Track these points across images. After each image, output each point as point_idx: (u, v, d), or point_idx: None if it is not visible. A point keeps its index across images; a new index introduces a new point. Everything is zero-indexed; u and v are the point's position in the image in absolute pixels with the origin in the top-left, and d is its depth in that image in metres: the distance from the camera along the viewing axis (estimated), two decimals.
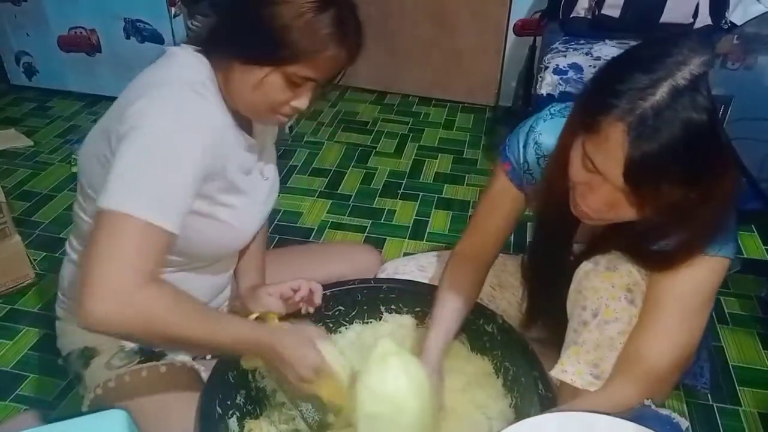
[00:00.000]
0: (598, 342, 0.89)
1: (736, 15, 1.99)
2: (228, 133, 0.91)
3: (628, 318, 0.88)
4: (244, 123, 0.97)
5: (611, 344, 0.88)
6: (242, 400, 1.03)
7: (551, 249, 1.02)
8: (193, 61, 0.89)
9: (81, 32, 2.62)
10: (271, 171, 1.09)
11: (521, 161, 1.01)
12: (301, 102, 0.89)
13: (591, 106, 0.76)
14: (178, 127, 0.80)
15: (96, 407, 0.94)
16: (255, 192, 1.02)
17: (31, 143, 2.39)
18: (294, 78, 0.85)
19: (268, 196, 1.08)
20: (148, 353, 1.00)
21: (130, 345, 1.00)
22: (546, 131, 0.98)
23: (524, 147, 1.01)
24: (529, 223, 2.04)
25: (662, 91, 0.69)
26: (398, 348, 0.94)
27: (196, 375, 1.04)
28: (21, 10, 2.63)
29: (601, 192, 0.78)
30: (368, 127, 2.69)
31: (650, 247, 0.86)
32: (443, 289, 1.09)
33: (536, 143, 0.99)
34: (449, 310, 1.06)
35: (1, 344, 1.51)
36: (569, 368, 0.91)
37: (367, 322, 1.21)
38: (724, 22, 1.97)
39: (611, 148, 0.72)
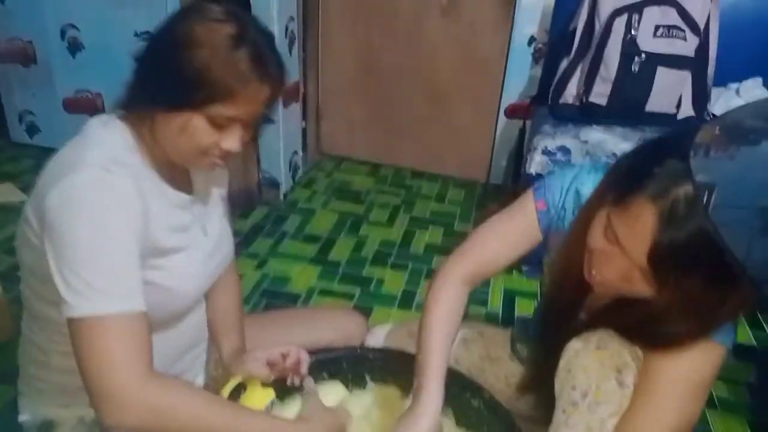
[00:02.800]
0: (589, 424, 0.87)
1: (718, 107, 2.10)
2: (149, 196, 0.86)
3: (619, 400, 0.87)
4: (179, 179, 0.96)
5: (601, 427, 0.87)
6: None
7: (560, 312, 1.00)
8: (103, 134, 0.87)
9: (87, 96, 2.70)
10: (215, 226, 1.05)
11: (559, 206, 0.99)
12: (230, 143, 0.87)
13: (624, 182, 0.77)
14: (97, 213, 0.78)
15: None
16: (193, 249, 0.97)
17: (26, 198, 2.38)
18: (218, 119, 0.84)
19: (214, 252, 1.03)
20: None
21: (90, 417, 0.96)
22: (587, 183, 0.96)
23: (566, 193, 0.98)
24: (517, 298, 2.05)
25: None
26: None
27: None
28: (29, 71, 2.72)
29: (618, 265, 0.78)
30: (362, 196, 2.74)
31: (653, 328, 0.85)
32: (440, 316, 1.01)
33: (577, 193, 0.97)
34: (446, 347, 0.98)
35: None
36: None
37: (351, 392, 1.19)
38: (706, 113, 2.07)
39: (639, 228, 0.72)
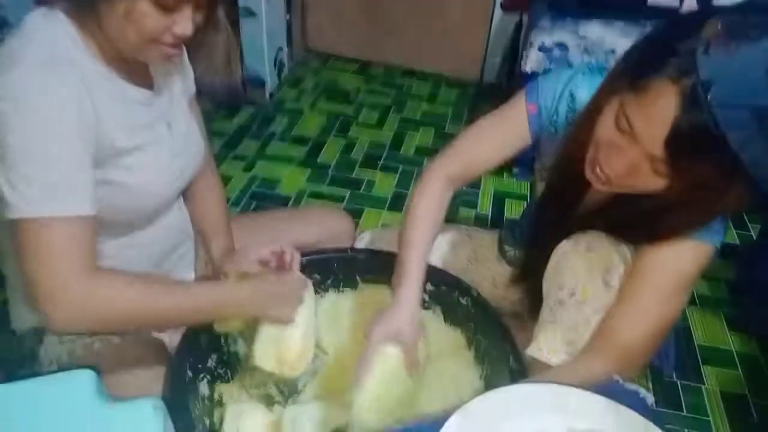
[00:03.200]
0: (574, 321, 0.90)
1: (723, 0, 2.00)
2: (99, 94, 0.82)
3: (605, 300, 0.88)
4: (137, 74, 0.90)
5: (586, 324, 0.89)
6: (214, 363, 1.03)
7: (556, 211, 0.99)
8: (44, 28, 0.80)
9: None
10: (181, 124, 1.00)
11: (551, 110, 0.96)
12: (182, 27, 0.80)
13: (642, 62, 0.72)
14: (38, 114, 0.74)
15: None
16: (157, 146, 0.93)
17: None
18: (164, 4, 0.77)
19: (181, 150, 0.99)
20: None
21: None
22: (583, 86, 0.93)
23: (560, 97, 0.95)
24: (507, 200, 2.06)
25: None
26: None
27: (156, 345, 1.02)
28: None
29: (628, 155, 0.74)
30: (350, 97, 2.66)
31: (649, 222, 0.84)
32: (424, 212, 1.01)
33: (572, 96, 0.94)
34: (426, 243, 1.00)
35: None
36: (545, 346, 0.92)
37: (342, 291, 1.21)
38: (711, 7, 1.97)
39: (658, 111, 0.68)
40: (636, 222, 0.86)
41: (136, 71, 0.90)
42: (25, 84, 0.73)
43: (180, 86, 1.02)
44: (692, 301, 1.69)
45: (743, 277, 1.74)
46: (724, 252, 1.83)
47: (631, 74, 0.73)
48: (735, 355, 1.55)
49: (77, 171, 0.77)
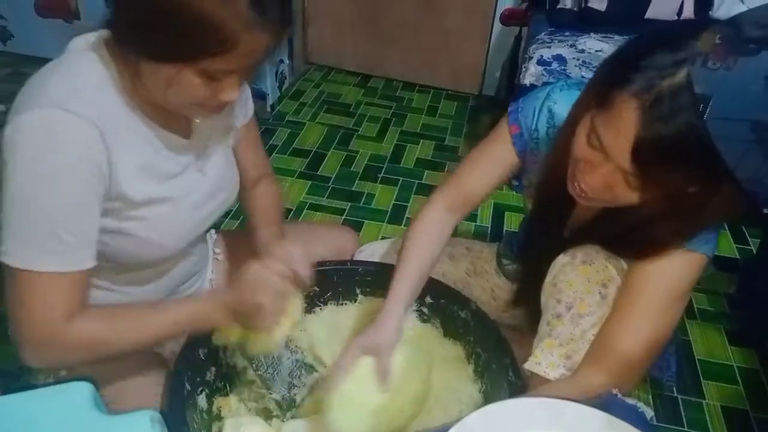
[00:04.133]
0: (572, 335, 0.90)
1: (721, 13, 2.01)
2: (122, 141, 0.78)
3: (602, 313, 0.89)
4: (175, 122, 0.86)
5: (584, 337, 0.89)
6: (212, 376, 1.02)
7: (545, 228, 1.01)
8: (80, 63, 0.77)
9: None
10: (218, 164, 0.97)
11: (532, 128, 0.98)
12: (228, 94, 0.77)
13: (608, 78, 0.74)
14: (43, 161, 0.71)
15: None
16: (186, 194, 0.90)
17: (3, 108, 2.32)
18: (212, 72, 0.73)
19: (214, 192, 0.96)
20: None
21: None
22: (561, 101, 0.95)
23: (539, 113, 0.97)
24: (506, 213, 2.06)
25: (682, 73, 0.67)
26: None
27: (154, 357, 1.02)
28: None
29: (602, 171, 0.76)
30: (351, 109, 2.67)
31: (637, 235, 0.86)
32: (419, 234, 1.04)
33: (550, 112, 0.96)
34: (420, 262, 1.01)
35: None
36: (543, 360, 0.91)
37: (342, 304, 1.21)
38: (711, 20, 1.99)
39: (622, 126, 0.70)
40: (624, 236, 0.87)
41: (174, 117, 0.86)
42: (36, 127, 0.71)
43: (224, 123, 0.98)
44: (692, 315, 1.68)
45: (744, 290, 1.74)
46: (725, 265, 1.83)
47: (599, 91, 0.75)
48: (736, 370, 1.54)
49: (77, 226, 0.75)
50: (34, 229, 0.72)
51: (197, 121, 0.90)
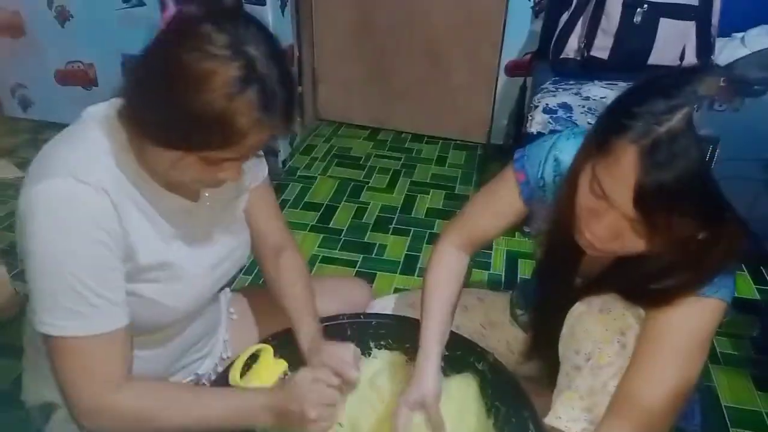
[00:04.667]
0: (592, 387, 0.87)
1: (722, 58, 2.05)
2: (132, 205, 0.80)
3: (622, 363, 0.86)
4: (187, 189, 0.88)
5: (604, 390, 0.87)
6: None
7: (555, 278, 1.00)
8: (94, 130, 0.79)
9: (78, 66, 2.65)
10: (227, 228, 0.98)
11: (538, 176, 0.98)
12: (229, 175, 0.79)
13: (606, 127, 0.75)
14: (60, 231, 0.73)
15: None
16: (198, 257, 0.91)
17: (21, 174, 2.38)
18: (214, 160, 0.75)
19: (228, 255, 0.97)
20: None
21: None
22: (566, 150, 0.95)
23: (545, 163, 0.98)
24: (520, 260, 2.04)
25: (678, 118, 0.67)
26: None
27: None
28: (18, 42, 2.66)
29: (607, 220, 0.76)
30: (361, 162, 2.71)
31: (650, 285, 0.85)
32: (438, 279, 1.04)
33: (556, 160, 0.96)
34: (446, 304, 1.02)
35: None
36: (563, 415, 0.89)
37: None
38: (710, 65, 2.02)
39: (622, 173, 0.70)
40: (639, 285, 0.86)
41: (186, 187, 0.87)
42: (52, 197, 0.73)
43: (237, 188, 0.99)
44: (716, 360, 1.63)
45: (767, 334, 1.69)
46: (746, 307, 1.79)
47: (599, 139, 0.76)
48: (765, 416, 1.48)
49: (101, 289, 0.76)
50: (61, 296, 0.74)
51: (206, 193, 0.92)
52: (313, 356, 1.00)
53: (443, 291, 1.03)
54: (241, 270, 1.05)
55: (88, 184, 0.74)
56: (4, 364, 1.50)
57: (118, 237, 0.78)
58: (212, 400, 0.88)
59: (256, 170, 1.04)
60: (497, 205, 1.04)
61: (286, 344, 1.06)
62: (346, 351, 0.99)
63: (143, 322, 0.87)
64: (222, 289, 1.10)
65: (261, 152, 1.04)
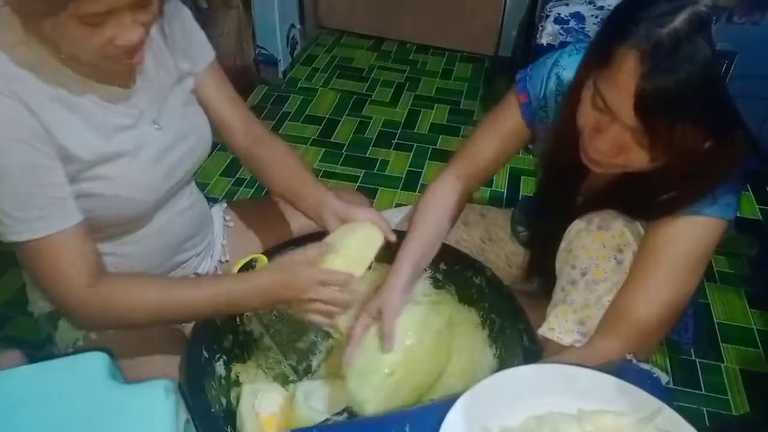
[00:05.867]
0: (586, 301, 0.89)
1: None
2: (53, 105, 0.77)
3: (617, 279, 0.87)
4: (110, 73, 0.83)
5: (598, 303, 0.88)
6: (229, 344, 1.04)
7: (556, 197, 0.99)
8: None
9: None
10: (173, 114, 0.94)
11: (540, 96, 0.97)
12: (123, 37, 0.73)
13: (607, 36, 0.73)
14: None
15: None
16: (144, 148, 0.88)
17: None
18: (87, 18, 0.69)
19: (177, 141, 0.94)
20: None
21: None
22: (570, 66, 0.93)
23: (547, 81, 0.96)
24: (522, 177, 2.03)
25: (681, 19, 0.65)
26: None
27: (172, 328, 1.04)
28: None
29: (610, 133, 0.75)
30: (364, 74, 2.63)
31: (652, 198, 0.84)
32: (429, 205, 1.04)
33: (558, 78, 0.94)
34: (431, 228, 1.01)
35: None
36: (556, 326, 0.91)
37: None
38: None
39: (623, 80, 0.68)
40: (641, 199, 0.85)
41: (111, 71, 0.83)
42: None
43: (174, 70, 0.95)
44: (712, 278, 1.66)
45: (765, 253, 1.71)
46: (746, 227, 1.79)
47: (600, 50, 0.73)
48: (755, 333, 1.52)
49: (42, 190, 0.76)
50: (9, 206, 0.75)
51: (148, 60, 0.88)
52: (329, 216, 0.98)
53: (431, 217, 1.02)
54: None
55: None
56: (15, 273, 1.54)
57: (41, 136, 0.76)
58: (201, 282, 0.90)
59: (195, 51, 0.99)
60: (500, 130, 1.02)
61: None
62: (373, 214, 0.96)
63: (107, 217, 0.88)
64: (192, 179, 1.07)
65: (200, 31, 0.99)
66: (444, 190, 1.05)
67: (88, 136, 0.81)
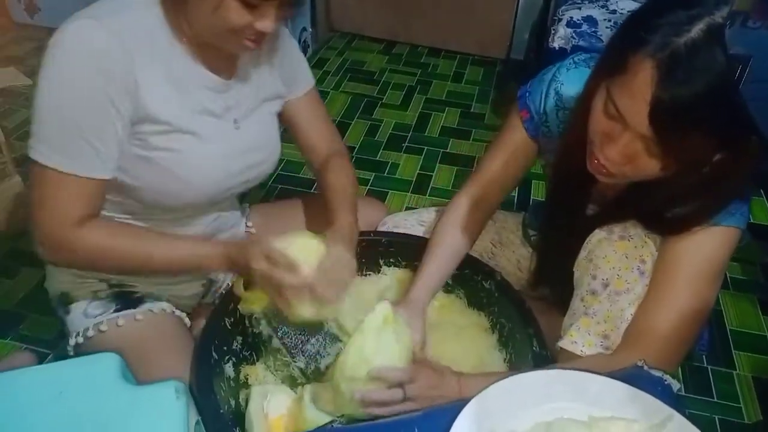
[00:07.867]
0: (609, 313, 0.87)
1: None
2: (154, 63, 0.84)
3: (640, 289, 0.86)
4: (219, 63, 0.92)
5: (621, 316, 0.86)
6: (239, 345, 1.04)
7: (564, 208, 0.99)
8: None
9: None
10: (255, 125, 1.00)
11: (540, 111, 0.97)
12: (265, 24, 0.82)
13: (622, 43, 0.72)
14: (63, 69, 0.78)
15: (78, 355, 0.95)
16: (217, 139, 0.94)
17: (30, 82, 2.35)
18: (250, 1, 0.79)
19: (247, 150, 0.99)
20: (124, 302, 1.00)
21: (104, 292, 1.01)
22: (568, 81, 0.94)
23: (545, 97, 0.96)
24: (534, 181, 2.02)
25: (698, 28, 0.64)
26: (395, 315, 0.91)
27: (178, 321, 1.05)
28: None
29: (621, 141, 0.74)
30: (375, 77, 2.64)
31: (664, 213, 0.83)
32: (444, 226, 1.06)
33: (557, 93, 0.95)
34: (447, 250, 1.04)
35: (2, 283, 1.53)
36: (579, 340, 0.89)
37: (365, 275, 1.21)
38: None
39: (638, 88, 0.68)
40: (653, 212, 0.85)
41: (218, 60, 0.91)
42: (65, 37, 0.77)
43: (271, 88, 1.02)
44: (725, 285, 1.64)
45: None
46: (759, 234, 1.77)
47: (614, 57, 0.73)
48: None
49: (100, 134, 0.80)
50: (61, 131, 0.79)
51: (244, 63, 0.95)
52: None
53: (445, 237, 1.04)
54: (264, 184, 1.06)
55: (104, 27, 0.78)
56: (29, 272, 1.55)
57: (126, 89, 0.81)
58: (168, 237, 0.93)
59: (295, 78, 1.07)
60: (506, 146, 1.03)
61: None
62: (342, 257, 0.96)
63: (157, 195, 0.92)
64: (242, 199, 1.11)
65: (304, 61, 1.08)
66: (460, 221, 1.06)
67: (174, 105, 0.87)
